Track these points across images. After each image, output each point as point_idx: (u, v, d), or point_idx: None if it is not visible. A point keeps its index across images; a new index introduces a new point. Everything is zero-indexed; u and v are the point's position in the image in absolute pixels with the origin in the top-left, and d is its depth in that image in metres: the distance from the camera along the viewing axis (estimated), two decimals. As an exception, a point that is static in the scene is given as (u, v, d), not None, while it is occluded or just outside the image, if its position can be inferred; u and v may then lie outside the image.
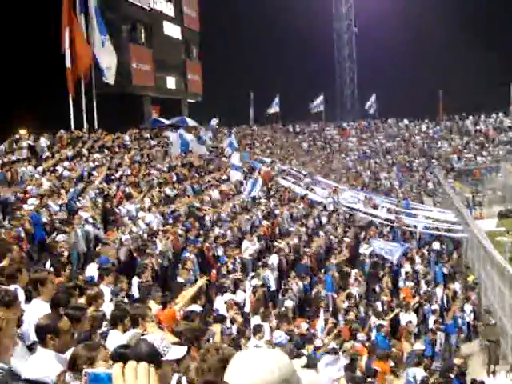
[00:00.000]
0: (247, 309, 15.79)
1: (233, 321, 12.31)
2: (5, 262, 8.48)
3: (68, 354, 5.40)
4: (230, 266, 18.56)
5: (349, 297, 19.95)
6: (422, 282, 24.45)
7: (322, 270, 22.28)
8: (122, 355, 4.86)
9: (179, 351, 4.02)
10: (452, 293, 23.57)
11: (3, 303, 5.31)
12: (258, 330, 11.51)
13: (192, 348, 7.21)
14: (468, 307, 22.74)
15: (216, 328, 10.40)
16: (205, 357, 6.37)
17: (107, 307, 8.50)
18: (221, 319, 11.62)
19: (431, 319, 20.72)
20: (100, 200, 19.02)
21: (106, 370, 2.16)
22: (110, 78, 33.39)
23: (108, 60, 33.29)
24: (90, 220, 16.85)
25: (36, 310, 6.30)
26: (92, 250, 16.11)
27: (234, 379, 2.35)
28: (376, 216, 32.69)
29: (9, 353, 4.33)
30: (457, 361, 17.64)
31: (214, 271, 17.93)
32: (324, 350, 13.79)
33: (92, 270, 12.93)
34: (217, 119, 40.06)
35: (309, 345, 13.82)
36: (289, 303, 17.34)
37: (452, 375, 15.83)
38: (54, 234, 14.69)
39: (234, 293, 16.30)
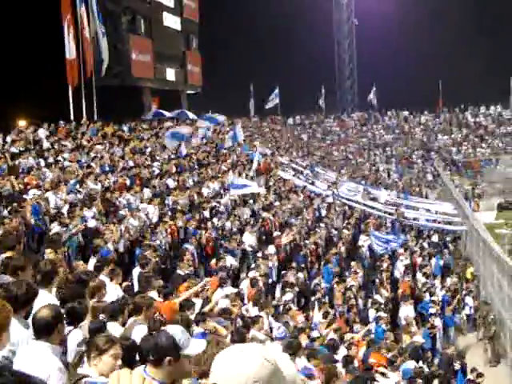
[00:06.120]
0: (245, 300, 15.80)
1: (229, 312, 12.23)
2: (10, 253, 8.46)
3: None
4: (230, 258, 18.58)
5: (347, 289, 19.97)
6: (420, 275, 24.45)
7: (322, 262, 22.33)
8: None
9: (199, 345, 4.07)
10: (452, 285, 23.62)
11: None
12: (256, 321, 11.51)
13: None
14: (469, 300, 22.78)
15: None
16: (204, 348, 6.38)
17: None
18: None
19: (430, 311, 20.75)
20: (99, 191, 19.00)
21: (102, 379, 2.19)
22: (103, 70, 33.32)
23: (105, 52, 33.18)
24: (90, 213, 16.83)
25: (45, 302, 6.29)
26: (90, 242, 16.04)
27: (223, 378, 2.35)
28: (375, 208, 32.72)
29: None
30: (450, 351, 17.74)
31: (213, 262, 17.94)
32: (321, 342, 13.82)
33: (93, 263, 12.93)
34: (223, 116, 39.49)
35: (303, 334, 13.79)
36: (288, 296, 17.33)
37: (455, 367, 15.90)
38: (52, 225, 14.67)
39: (234, 285, 16.34)
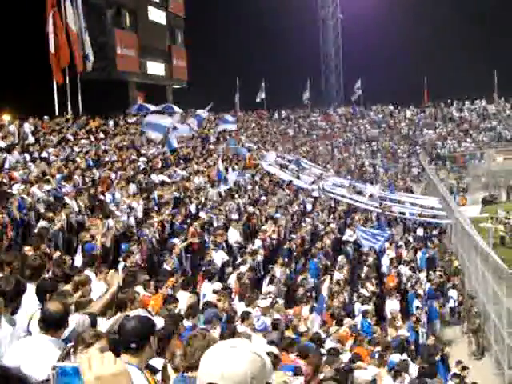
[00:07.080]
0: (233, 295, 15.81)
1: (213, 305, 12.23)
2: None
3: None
4: (217, 252, 18.56)
5: (334, 283, 20.00)
6: (406, 268, 24.55)
7: (308, 257, 22.36)
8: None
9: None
10: (437, 278, 23.76)
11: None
12: (246, 316, 11.52)
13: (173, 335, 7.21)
14: (454, 293, 22.92)
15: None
16: (191, 341, 6.42)
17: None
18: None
19: (415, 304, 20.85)
20: (85, 186, 18.93)
21: (72, 364, 2.17)
22: (89, 66, 33.15)
23: (89, 47, 32.96)
24: (76, 207, 16.79)
25: (34, 297, 6.27)
26: (75, 236, 15.97)
27: (220, 377, 2.35)
28: (360, 202, 32.82)
29: None
30: (429, 341, 17.89)
31: (199, 257, 17.95)
32: (308, 337, 13.85)
33: (80, 258, 12.92)
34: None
35: (288, 330, 13.83)
36: (271, 288, 17.37)
37: (436, 358, 16.03)
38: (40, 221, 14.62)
39: (220, 279, 16.34)
